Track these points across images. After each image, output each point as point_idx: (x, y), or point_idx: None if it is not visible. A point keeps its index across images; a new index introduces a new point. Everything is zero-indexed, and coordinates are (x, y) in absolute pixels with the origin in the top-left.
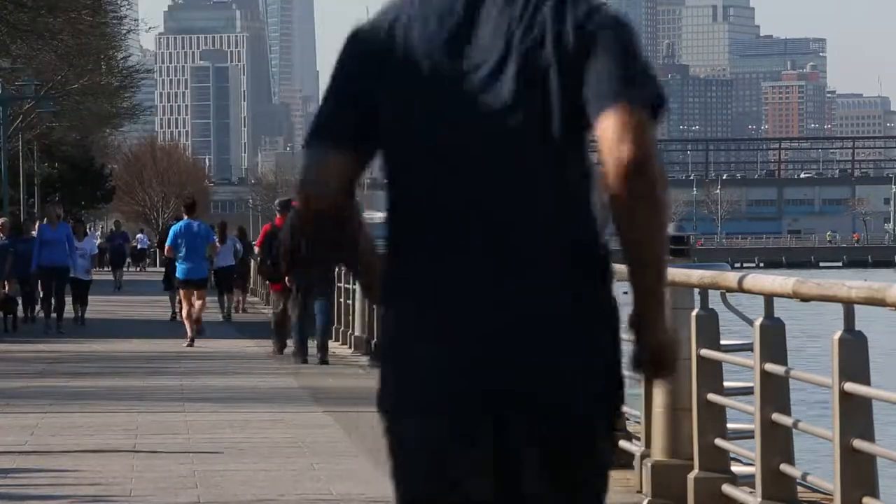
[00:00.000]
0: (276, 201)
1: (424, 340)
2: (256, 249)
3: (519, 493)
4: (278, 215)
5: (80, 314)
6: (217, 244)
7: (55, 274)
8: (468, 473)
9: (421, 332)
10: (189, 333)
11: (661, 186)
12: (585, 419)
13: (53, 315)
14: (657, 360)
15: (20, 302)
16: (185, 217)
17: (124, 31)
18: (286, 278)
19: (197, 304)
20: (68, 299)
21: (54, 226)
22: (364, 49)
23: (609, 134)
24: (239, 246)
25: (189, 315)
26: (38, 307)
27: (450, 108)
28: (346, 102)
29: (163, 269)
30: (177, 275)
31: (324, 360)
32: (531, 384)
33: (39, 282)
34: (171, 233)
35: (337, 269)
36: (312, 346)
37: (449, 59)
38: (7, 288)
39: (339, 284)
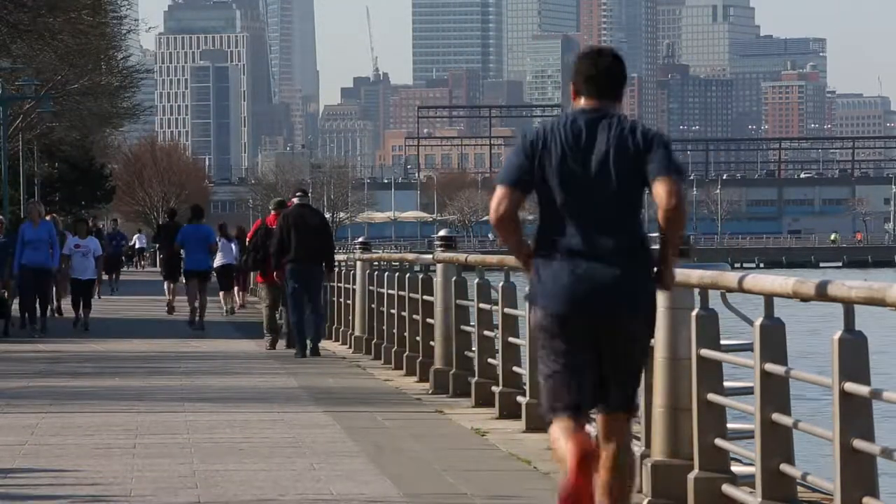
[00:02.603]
0: (272, 201)
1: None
2: (247, 242)
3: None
4: (273, 213)
5: (82, 318)
6: (218, 244)
7: (36, 275)
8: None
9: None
10: (190, 317)
11: (685, 217)
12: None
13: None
14: (667, 284)
15: (15, 304)
16: (194, 222)
17: (124, 31)
18: (275, 274)
19: (198, 300)
20: (66, 300)
21: (36, 224)
22: (530, 143)
23: (661, 191)
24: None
25: (194, 305)
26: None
27: (573, 173)
28: (517, 167)
29: (161, 269)
30: (186, 267)
31: (315, 353)
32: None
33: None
34: (180, 233)
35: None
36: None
37: (576, 150)
38: (6, 289)
39: (339, 285)
